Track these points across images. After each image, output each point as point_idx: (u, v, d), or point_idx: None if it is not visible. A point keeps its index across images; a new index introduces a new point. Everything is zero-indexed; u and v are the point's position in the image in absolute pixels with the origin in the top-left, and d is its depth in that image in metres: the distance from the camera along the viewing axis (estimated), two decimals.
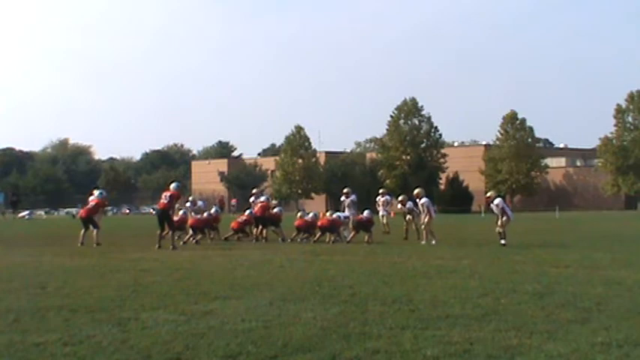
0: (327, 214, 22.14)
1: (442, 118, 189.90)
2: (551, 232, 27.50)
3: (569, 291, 9.67)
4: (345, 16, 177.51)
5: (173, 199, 19.32)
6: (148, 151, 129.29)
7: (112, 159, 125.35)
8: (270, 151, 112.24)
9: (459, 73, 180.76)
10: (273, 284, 10.72)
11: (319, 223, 20.87)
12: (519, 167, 71.77)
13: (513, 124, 74.00)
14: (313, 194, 76.06)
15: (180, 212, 21.05)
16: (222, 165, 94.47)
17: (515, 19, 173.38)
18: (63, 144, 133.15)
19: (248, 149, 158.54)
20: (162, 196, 19.52)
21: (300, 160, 76.21)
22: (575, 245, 19.04)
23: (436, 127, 74.05)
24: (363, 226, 20.41)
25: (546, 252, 16.56)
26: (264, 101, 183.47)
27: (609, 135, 70.67)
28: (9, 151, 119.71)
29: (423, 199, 20.35)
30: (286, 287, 10.26)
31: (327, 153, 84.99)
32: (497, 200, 19.39)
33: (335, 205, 40.92)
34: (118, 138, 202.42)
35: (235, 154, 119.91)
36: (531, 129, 74.53)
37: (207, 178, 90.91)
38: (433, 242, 19.44)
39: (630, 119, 70.20)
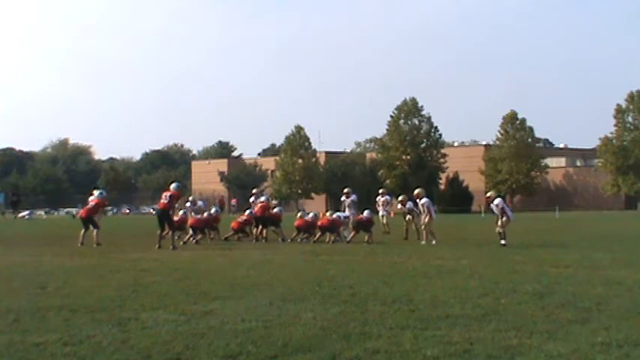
0: (327, 214, 22.14)
1: (442, 118, 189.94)
2: (551, 232, 27.50)
3: (569, 291, 9.67)
4: (345, 16, 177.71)
5: (173, 199, 19.32)
6: (148, 151, 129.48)
7: (112, 159, 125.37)
8: (270, 151, 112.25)
9: (459, 73, 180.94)
10: (273, 284, 10.72)
11: (319, 223, 20.87)
12: (519, 167, 71.77)
13: (513, 124, 74.00)
14: (313, 194, 76.06)
15: (181, 212, 21.06)
16: (222, 165, 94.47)
17: (515, 19, 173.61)
18: (63, 144, 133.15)
19: (248, 149, 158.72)
20: (163, 196, 19.53)
21: (300, 160, 76.21)
22: (575, 245, 19.04)
23: (436, 127, 74.15)
24: (363, 226, 20.41)
25: (546, 252, 16.56)
26: (264, 101, 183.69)
27: (609, 135, 70.73)
28: (9, 151, 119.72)
29: (424, 200, 20.35)
30: (286, 287, 10.26)
31: (327, 153, 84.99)
32: (497, 200, 19.39)
33: (335, 205, 40.96)
34: (118, 138, 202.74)
35: (235, 154, 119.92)
36: (531, 129, 74.56)
37: (207, 178, 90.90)
38: (433, 242, 19.44)
39: (630, 119, 70.21)
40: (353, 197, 23.71)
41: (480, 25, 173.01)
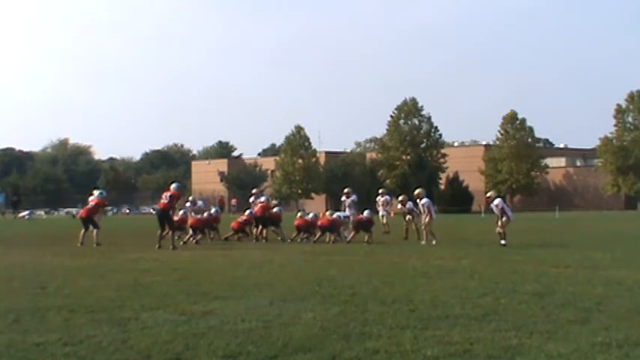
0: (327, 213, 22.14)
1: (442, 118, 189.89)
2: (551, 232, 27.51)
3: (569, 291, 9.67)
4: (345, 16, 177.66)
5: (173, 199, 19.32)
6: (148, 151, 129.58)
7: (112, 159, 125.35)
8: (270, 151, 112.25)
9: (459, 73, 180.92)
10: (273, 284, 10.72)
11: (319, 223, 20.87)
12: (519, 167, 71.78)
13: (513, 124, 74.03)
14: (313, 194, 76.06)
15: (181, 212, 21.06)
16: (222, 165, 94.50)
17: (515, 19, 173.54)
18: (63, 144, 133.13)
19: (248, 149, 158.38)
20: (163, 197, 19.54)
21: (300, 160, 76.22)
22: (575, 245, 19.04)
23: (436, 127, 74.21)
24: (363, 226, 20.41)
25: (546, 252, 16.56)
26: (264, 101, 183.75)
27: (609, 135, 70.79)
28: (9, 151, 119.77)
29: (424, 200, 20.35)
30: (286, 287, 10.26)
31: (327, 153, 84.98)
32: (497, 200, 19.39)
33: (335, 205, 40.93)
34: (118, 138, 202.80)
35: (235, 154, 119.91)
36: (531, 129, 74.59)
37: (207, 178, 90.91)
38: (433, 242, 19.44)
39: (630, 119, 70.26)
40: (353, 197, 23.72)
41: (480, 25, 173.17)
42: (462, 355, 6.10)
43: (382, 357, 6.07)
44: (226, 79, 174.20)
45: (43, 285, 10.57)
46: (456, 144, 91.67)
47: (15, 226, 36.69)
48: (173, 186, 19.97)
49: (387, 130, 74.84)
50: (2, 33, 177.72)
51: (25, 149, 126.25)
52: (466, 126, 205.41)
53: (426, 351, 6.19)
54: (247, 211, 23.28)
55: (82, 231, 19.76)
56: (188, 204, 23.19)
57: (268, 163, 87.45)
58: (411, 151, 72.55)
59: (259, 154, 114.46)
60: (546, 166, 75.36)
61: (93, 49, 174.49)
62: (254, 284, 10.70)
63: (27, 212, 53.34)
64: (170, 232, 18.89)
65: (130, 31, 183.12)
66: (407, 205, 22.57)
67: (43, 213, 64.53)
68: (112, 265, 14.03)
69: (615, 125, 70.51)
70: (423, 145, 73.63)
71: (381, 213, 25.52)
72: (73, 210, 59.40)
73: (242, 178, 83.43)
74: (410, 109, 73.81)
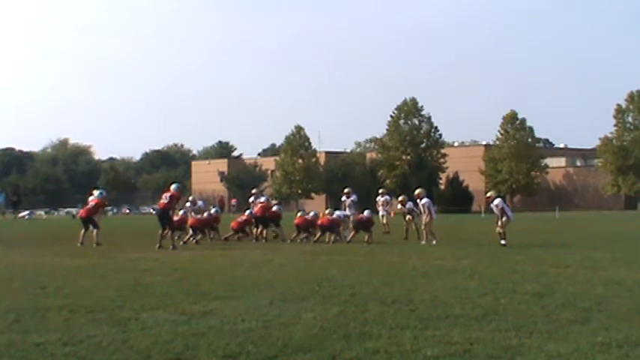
0: (327, 212, 22.13)
1: (442, 118, 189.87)
2: (551, 232, 27.50)
3: (569, 291, 9.67)
4: (345, 16, 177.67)
5: (173, 199, 19.34)
6: (148, 151, 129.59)
7: (112, 159, 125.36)
8: (270, 151, 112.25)
9: (459, 73, 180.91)
10: (273, 284, 10.72)
11: (319, 222, 20.87)
12: (519, 167, 71.78)
13: (513, 124, 74.03)
14: (313, 194, 76.06)
15: (181, 212, 21.07)
16: (222, 165, 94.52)
17: (515, 19, 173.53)
18: (63, 144, 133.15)
19: (248, 149, 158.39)
20: (163, 197, 19.57)
21: (300, 160, 76.23)
22: (575, 245, 19.04)
23: (436, 127, 74.21)
24: (364, 225, 20.41)
25: (546, 252, 16.56)
26: (264, 101, 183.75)
27: (609, 135, 70.78)
28: (9, 151, 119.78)
29: (424, 200, 20.34)
30: (286, 287, 10.26)
31: (327, 153, 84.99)
32: (497, 200, 19.39)
33: (335, 205, 40.94)
34: (118, 138, 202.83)
35: (235, 154, 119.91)
36: (531, 129, 74.59)
37: (207, 178, 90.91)
38: (433, 242, 19.44)
39: (630, 119, 70.27)
40: (353, 197, 23.73)
41: (480, 25, 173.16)
42: (462, 355, 6.10)
43: (382, 357, 6.07)
44: (226, 79, 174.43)
45: (43, 285, 10.57)
46: (456, 144, 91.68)
47: (15, 226, 36.69)
48: (173, 186, 19.98)
49: (387, 130, 74.85)
50: (2, 33, 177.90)
51: (25, 149, 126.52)
52: (466, 126, 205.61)
53: (426, 351, 6.19)
54: (247, 211, 23.29)
55: (82, 231, 19.76)
56: (188, 204, 23.19)
57: (268, 163, 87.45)
58: (411, 151, 72.56)
59: (259, 154, 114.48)
60: (546, 166, 75.37)
61: (93, 49, 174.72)
62: (254, 284, 10.70)
63: (27, 212, 53.33)
64: (170, 232, 18.89)
65: (130, 31, 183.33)
66: (407, 205, 22.57)
67: (43, 213, 64.53)
68: (112, 265, 14.04)
69: (615, 125, 70.53)
70: (423, 145, 73.63)
71: (381, 213, 25.53)
72: (73, 210, 59.40)
73: (242, 178, 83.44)
74: (410, 109, 73.82)
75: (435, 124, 74.00)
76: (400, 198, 23.45)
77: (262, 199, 23.16)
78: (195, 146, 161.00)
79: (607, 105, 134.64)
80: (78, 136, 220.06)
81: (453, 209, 57.84)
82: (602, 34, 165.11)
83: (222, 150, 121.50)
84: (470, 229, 29.02)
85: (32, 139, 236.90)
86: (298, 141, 77.24)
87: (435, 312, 8.01)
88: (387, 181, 69.29)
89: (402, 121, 73.86)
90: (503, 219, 18.90)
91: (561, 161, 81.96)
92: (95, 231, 19.59)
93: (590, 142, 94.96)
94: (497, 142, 75.14)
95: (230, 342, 6.58)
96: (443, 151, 74.53)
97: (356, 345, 6.43)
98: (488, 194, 20.94)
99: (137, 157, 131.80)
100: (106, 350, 6.36)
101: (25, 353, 6.31)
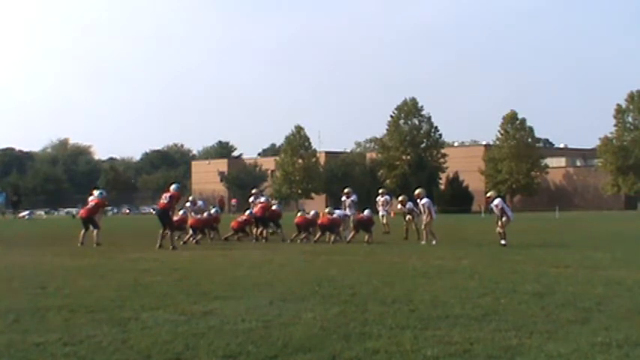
0: (327, 210, 22.11)
1: (442, 118, 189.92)
2: (551, 232, 27.50)
3: (569, 291, 9.67)
4: (345, 16, 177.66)
5: (173, 199, 19.34)
6: (148, 151, 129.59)
7: (112, 159, 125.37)
8: (270, 151, 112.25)
9: (459, 73, 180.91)
10: (273, 284, 10.72)
11: (319, 222, 20.86)
12: (519, 167, 71.79)
13: (513, 124, 74.05)
14: (313, 194, 76.06)
15: (180, 212, 21.07)
16: (222, 165, 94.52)
17: (515, 19, 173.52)
18: (63, 144, 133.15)
19: (248, 149, 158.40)
20: (162, 197, 19.57)
21: (300, 160, 76.24)
22: (575, 245, 19.04)
23: (436, 127, 74.25)
24: (364, 225, 20.40)
25: (546, 252, 16.56)
26: (264, 101, 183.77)
27: (609, 135, 70.82)
28: (9, 151, 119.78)
29: (424, 200, 20.34)
30: (286, 287, 10.26)
31: (327, 153, 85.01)
32: (497, 201, 19.39)
33: (335, 205, 40.93)
34: (118, 138, 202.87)
35: (235, 154, 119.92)
36: (531, 129, 74.62)
37: (207, 178, 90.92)
38: (433, 242, 19.44)
39: (630, 119, 70.29)
40: (353, 197, 23.72)
41: (480, 25, 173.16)
42: (462, 355, 6.09)
43: (382, 357, 6.07)
44: (226, 79, 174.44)
45: (43, 285, 10.57)
46: (456, 144, 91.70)
47: (15, 226, 36.69)
48: (173, 187, 19.98)
49: (387, 130, 74.87)
50: (2, 33, 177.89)
51: (25, 149, 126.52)
52: (466, 126, 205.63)
53: (426, 351, 6.19)
54: (247, 211, 23.30)
55: (82, 231, 19.76)
56: (188, 204, 23.19)
57: (268, 163, 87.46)
58: (411, 151, 72.57)
59: (259, 154, 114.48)
60: (546, 166, 75.38)
61: (93, 49, 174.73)
62: (254, 284, 10.70)
63: (27, 212, 53.32)
64: (170, 232, 18.89)
65: (130, 31, 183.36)
66: (407, 205, 22.58)
67: (43, 213, 64.54)
68: (112, 265, 14.03)
69: (615, 125, 70.55)
70: (423, 145, 73.66)
71: (381, 213, 25.53)
72: (73, 210, 59.41)
73: (242, 178, 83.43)
74: (410, 109, 73.83)
75: (435, 124, 74.16)
76: (400, 198, 23.45)
77: (262, 199, 23.17)
78: (195, 146, 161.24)
79: (607, 105, 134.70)
80: (78, 136, 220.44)
81: (453, 209, 57.85)
82: (602, 34, 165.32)
83: (222, 150, 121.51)
84: (470, 229, 29.02)
85: (32, 139, 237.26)
86: (298, 141, 77.25)
87: (435, 312, 8.01)
88: (387, 181, 69.31)
89: (402, 121, 73.88)
90: (503, 219, 18.90)
91: (561, 161, 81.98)
92: (95, 231, 19.59)
93: (590, 142, 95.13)
94: (497, 142, 75.16)
95: (230, 342, 6.58)
96: (443, 151, 74.55)
97: (356, 345, 6.43)
98: (488, 194, 20.95)
99: (137, 157, 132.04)
100: (106, 350, 6.36)
101: (25, 353, 6.31)
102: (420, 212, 20.85)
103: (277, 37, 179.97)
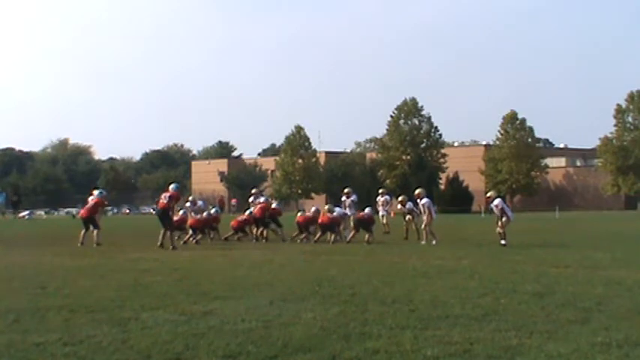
0: (326, 207, 22.07)
1: (442, 118, 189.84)
2: (551, 232, 27.50)
3: (569, 291, 9.67)
4: (345, 16, 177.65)
5: (172, 199, 19.34)
6: (148, 151, 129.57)
7: (112, 159, 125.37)
8: (270, 151, 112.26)
9: (459, 73, 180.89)
10: (273, 284, 10.72)
11: (320, 221, 20.85)
12: (519, 167, 71.79)
13: (513, 124, 74.05)
14: (313, 194, 76.02)
15: (180, 212, 21.07)
16: (222, 165, 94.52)
17: (515, 19, 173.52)
18: (63, 144, 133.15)
19: (248, 149, 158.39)
20: (162, 197, 19.57)
21: (300, 160, 76.24)
22: (575, 245, 19.04)
23: (436, 127, 74.25)
24: (364, 224, 20.39)
25: (546, 252, 16.56)
26: (264, 101, 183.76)
27: (609, 135, 70.82)
28: (9, 151, 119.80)
29: (424, 200, 20.34)
30: (286, 287, 10.26)
31: (327, 153, 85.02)
32: (497, 201, 19.38)
33: (335, 204, 40.91)
34: (118, 138, 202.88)
35: (235, 154, 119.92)
36: (531, 129, 74.62)
37: (207, 178, 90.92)
38: (433, 242, 19.44)
39: (630, 119, 70.29)
40: (353, 197, 23.71)
41: (480, 25, 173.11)
42: (462, 355, 6.09)
43: (382, 357, 6.07)
44: (226, 79, 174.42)
45: (43, 285, 10.57)
46: (456, 144, 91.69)
47: (15, 226, 36.69)
48: (172, 187, 19.98)
49: (387, 130, 74.87)
50: (2, 33, 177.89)
51: (25, 149, 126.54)
52: (466, 126, 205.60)
53: (426, 351, 6.19)
54: (247, 211, 23.30)
55: (83, 231, 19.77)
56: (188, 204, 23.19)
57: (268, 163, 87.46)
58: (411, 151, 72.58)
59: (259, 154, 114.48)
60: (546, 166, 75.38)
61: (93, 49, 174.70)
62: (254, 284, 10.70)
63: (27, 212, 53.33)
64: (170, 232, 18.88)
65: (130, 31, 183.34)
66: (407, 205, 22.57)
67: (43, 213, 64.55)
68: (112, 265, 14.04)
69: (615, 125, 70.55)
70: (423, 145, 73.67)
71: (381, 213, 25.52)
72: (73, 210, 59.43)
73: (242, 178, 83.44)
74: (410, 109, 73.84)
75: (435, 124, 74.16)
76: (400, 198, 23.45)
77: (262, 199, 23.16)
78: (195, 146, 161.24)
79: (607, 105, 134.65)
80: (78, 136, 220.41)
81: (453, 209, 57.85)
82: (602, 34, 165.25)
83: (222, 150, 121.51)
84: (470, 229, 29.02)
85: (32, 139, 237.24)
86: (298, 141, 77.26)
87: (435, 312, 8.01)
88: (387, 181, 69.32)
89: (402, 121, 73.89)
90: (503, 219, 18.90)
91: (561, 161, 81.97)
92: (95, 231, 19.59)
93: (590, 142, 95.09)
94: (497, 142, 75.15)
95: (230, 342, 6.58)
96: (443, 151, 74.56)
97: (356, 345, 6.43)
98: (488, 194, 20.95)
99: (137, 157, 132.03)
100: (106, 350, 6.36)
101: (25, 353, 6.31)
102: (420, 212, 20.84)
103: (277, 37, 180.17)
